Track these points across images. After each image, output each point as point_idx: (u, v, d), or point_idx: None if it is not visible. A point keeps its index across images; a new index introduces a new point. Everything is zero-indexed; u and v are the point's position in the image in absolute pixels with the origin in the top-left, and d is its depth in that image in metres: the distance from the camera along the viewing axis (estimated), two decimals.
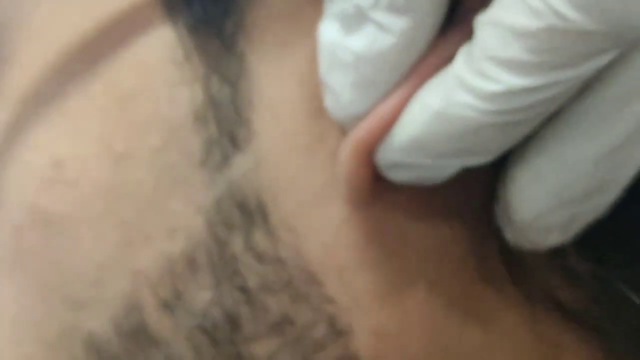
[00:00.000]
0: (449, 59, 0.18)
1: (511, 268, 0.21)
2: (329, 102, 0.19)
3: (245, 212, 0.20)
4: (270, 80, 0.20)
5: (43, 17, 0.22)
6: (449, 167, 0.19)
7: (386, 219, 0.20)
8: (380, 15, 0.18)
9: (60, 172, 0.21)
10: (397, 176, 0.19)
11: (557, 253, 0.20)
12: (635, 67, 0.17)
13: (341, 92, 0.19)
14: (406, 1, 0.18)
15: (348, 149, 0.19)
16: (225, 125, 0.20)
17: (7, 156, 0.21)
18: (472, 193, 0.20)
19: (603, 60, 0.17)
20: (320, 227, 0.20)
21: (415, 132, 0.18)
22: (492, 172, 0.19)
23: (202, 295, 0.20)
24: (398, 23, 0.18)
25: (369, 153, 0.19)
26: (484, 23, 0.17)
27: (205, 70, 0.20)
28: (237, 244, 0.20)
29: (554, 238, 0.20)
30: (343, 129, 0.19)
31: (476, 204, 0.20)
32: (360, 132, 0.19)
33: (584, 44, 0.16)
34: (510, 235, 0.20)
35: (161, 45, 0.20)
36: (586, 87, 0.18)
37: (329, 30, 0.19)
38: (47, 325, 0.21)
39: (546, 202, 0.19)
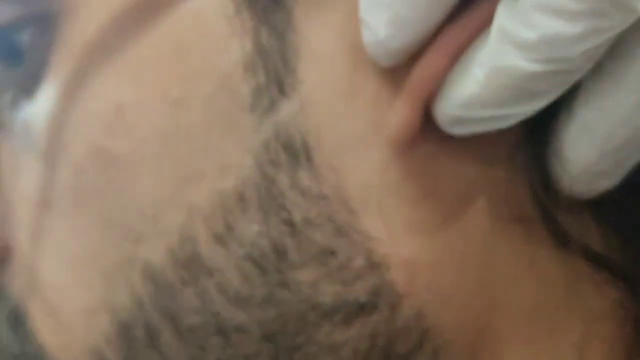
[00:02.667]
0: (489, 12, 0.19)
1: (543, 211, 0.22)
2: (367, 40, 0.20)
3: (290, 152, 0.21)
4: (315, 31, 0.21)
5: None
6: (511, 117, 0.20)
7: (423, 162, 0.21)
8: None
9: (120, 115, 0.22)
10: (461, 130, 0.20)
11: (594, 202, 0.22)
12: None
13: (378, 29, 0.20)
14: None
15: (404, 97, 0.20)
16: (273, 73, 0.21)
17: (71, 101, 0.22)
18: (503, 140, 0.21)
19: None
20: (360, 167, 0.21)
21: (473, 88, 0.19)
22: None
23: (251, 228, 0.21)
24: None
25: (422, 102, 0.20)
26: None
27: (254, 23, 0.21)
28: (283, 181, 0.21)
29: (604, 183, 0.21)
30: (381, 79, 0.21)
31: (509, 151, 0.21)
32: (416, 83, 0.20)
33: None
34: (564, 183, 0.21)
35: (214, 0, 0.21)
36: (624, 40, 0.19)
37: None
38: (107, 256, 0.22)
39: (594, 151, 0.20)
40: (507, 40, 0.18)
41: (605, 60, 0.19)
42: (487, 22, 0.19)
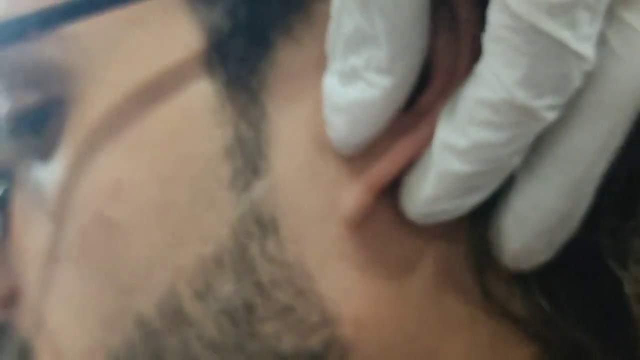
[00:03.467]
0: (433, 127, 0.23)
1: (479, 280, 0.25)
2: (332, 136, 0.24)
3: (261, 225, 0.24)
4: (285, 124, 0.24)
5: (109, 66, 0.25)
6: (462, 207, 0.23)
7: (372, 235, 0.24)
8: (369, 75, 0.22)
9: (119, 188, 0.25)
10: (429, 221, 0.24)
11: (521, 278, 0.25)
12: (574, 127, 0.22)
13: (339, 128, 0.23)
14: (389, 65, 0.22)
15: (362, 186, 0.24)
16: (249, 158, 0.24)
17: (80, 172, 0.26)
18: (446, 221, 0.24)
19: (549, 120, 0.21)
20: (318, 239, 0.24)
21: (428, 190, 0.23)
22: None
23: (226, 287, 0.24)
24: (383, 81, 0.22)
25: (376, 192, 0.24)
26: (463, 98, 0.22)
27: (235, 116, 0.24)
28: (254, 249, 0.24)
29: (540, 258, 0.24)
30: (341, 163, 0.24)
31: (451, 228, 0.24)
32: (374, 177, 0.24)
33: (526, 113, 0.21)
34: (504, 259, 0.24)
35: (202, 94, 0.25)
36: (541, 138, 0.22)
37: (330, 83, 0.23)
38: (105, 305, 0.25)
39: (528, 234, 0.23)
40: (447, 149, 0.22)
41: (530, 155, 0.23)
42: (431, 135, 0.23)
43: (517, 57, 0.20)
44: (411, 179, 0.24)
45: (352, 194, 0.24)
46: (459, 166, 0.22)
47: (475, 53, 0.22)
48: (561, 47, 0.20)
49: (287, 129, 0.25)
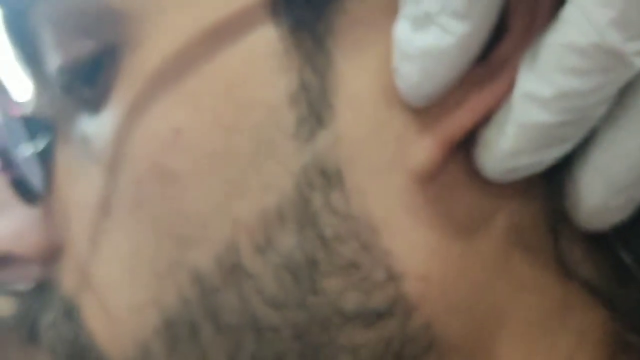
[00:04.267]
0: (511, 79, 0.22)
1: (553, 241, 0.24)
2: (400, 86, 0.23)
3: (325, 176, 0.23)
4: (352, 72, 0.24)
5: (167, 9, 0.25)
6: (545, 161, 0.22)
7: (441, 191, 0.24)
8: (444, 20, 0.21)
9: (178, 137, 0.24)
10: (509, 178, 0.23)
11: (595, 239, 0.24)
12: None
13: (409, 79, 0.22)
14: (466, 9, 0.21)
15: (434, 138, 0.23)
16: (314, 107, 0.24)
17: (136, 121, 0.25)
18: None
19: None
20: (385, 192, 0.23)
21: (509, 143, 0.22)
22: None
23: (288, 241, 0.23)
24: (458, 27, 0.21)
25: (449, 146, 0.23)
26: (548, 44, 0.21)
27: (300, 62, 0.24)
28: (317, 201, 0.23)
29: (616, 217, 0.23)
30: (408, 117, 0.23)
31: (524, 186, 0.24)
32: (447, 131, 0.23)
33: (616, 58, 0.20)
34: (579, 217, 0.23)
35: (266, 40, 0.24)
36: (630, 89, 0.21)
37: (401, 29, 0.22)
38: (159, 260, 0.25)
39: (606, 189, 0.22)
40: (530, 99, 0.21)
41: (614, 108, 0.22)
42: (510, 87, 0.22)
43: None
44: (489, 134, 0.23)
45: (422, 148, 0.23)
46: (543, 116, 0.21)
47: (555, 2, 0.22)
48: None
49: (353, 78, 0.24)
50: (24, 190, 0.26)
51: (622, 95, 0.22)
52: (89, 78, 0.26)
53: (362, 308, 0.24)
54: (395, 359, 0.24)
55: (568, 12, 0.21)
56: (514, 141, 0.22)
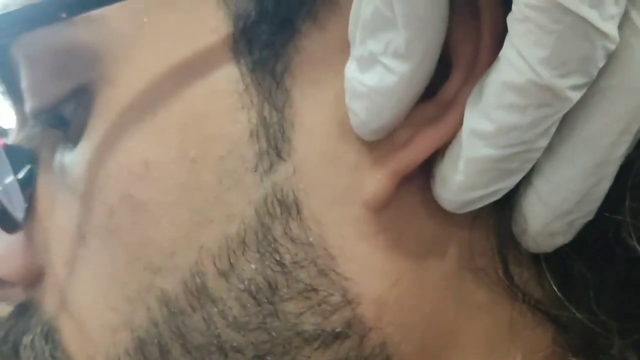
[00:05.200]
0: (460, 117, 0.23)
1: (501, 263, 0.25)
2: (353, 122, 0.24)
3: (284, 206, 0.25)
4: (309, 108, 0.25)
5: (137, 48, 0.26)
6: (498, 192, 0.23)
7: (392, 219, 0.25)
8: (387, 60, 0.22)
9: (147, 169, 0.25)
10: (466, 210, 0.24)
11: (539, 261, 0.25)
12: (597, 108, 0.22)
13: (358, 116, 0.24)
14: (406, 50, 0.22)
15: (386, 172, 0.24)
16: (273, 141, 0.25)
17: (108, 154, 0.26)
18: None
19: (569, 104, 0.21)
20: (340, 221, 0.25)
21: (460, 178, 0.23)
22: None
23: (249, 266, 0.25)
24: (400, 66, 0.22)
25: (399, 179, 0.24)
26: (489, 82, 0.22)
27: (259, 99, 0.25)
28: (277, 229, 0.25)
29: (559, 240, 0.24)
30: (362, 149, 0.24)
31: (472, 213, 0.25)
32: (398, 164, 0.24)
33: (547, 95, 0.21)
34: (525, 240, 0.24)
35: (227, 78, 0.25)
36: (565, 119, 0.22)
37: (350, 69, 0.24)
38: (130, 284, 0.26)
39: (549, 215, 0.23)
40: (475, 135, 0.22)
41: (554, 137, 0.23)
42: (459, 123, 0.23)
43: (543, 36, 0.20)
44: (444, 168, 0.24)
45: (374, 180, 0.25)
46: (487, 151, 0.22)
47: (497, 39, 0.23)
48: (586, 25, 0.20)
49: (310, 113, 0.25)
50: (3, 219, 0.27)
51: (560, 126, 0.23)
52: (61, 119, 0.27)
53: (320, 330, 0.25)
54: None
55: (505, 52, 0.22)
56: (466, 175, 0.23)
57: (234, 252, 0.25)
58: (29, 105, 0.28)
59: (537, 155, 0.23)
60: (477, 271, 0.26)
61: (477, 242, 0.26)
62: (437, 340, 0.26)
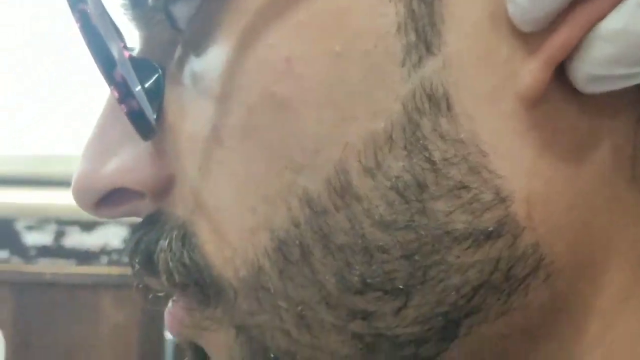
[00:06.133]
0: None
1: None
2: (512, 10, 0.23)
3: (434, 101, 0.24)
4: (458, 1, 0.24)
5: None
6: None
7: (546, 115, 0.24)
8: None
9: (288, 65, 0.25)
10: (597, 88, 0.23)
11: None
12: None
13: (522, 3, 0.23)
14: None
15: (539, 61, 0.23)
16: (422, 34, 0.24)
17: (246, 53, 0.26)
18: (625, 112, 0.24)
19: None
20: (493, 117, 0.24)
21: (608, 49, 0.22)
22: None
23: (396, 164, 0.24)
24: None
25: (554, 66, 0.23)
26: None
27: None
28: (426, 125, 0.24)
29: None
30: (516, 42, 0.24)
31: (631, 123, 0.24)
32: (552, 50, 0.23)
33: None
34: None
35: None
36: None
37: None
38: (270, 184, 0.26)
39: None
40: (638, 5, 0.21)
41: None
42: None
43: None
44: (589, 39, 0.23)
45: (528, 71, 0.24)
46: None
47: None
48: None
49: (461, 6, 0.24)
50: (140, 123, 0.27)
51: None
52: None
53: (471, 229, 0.24)
54: (504, 280, 0.25)
55: None
56: (617, 48, 0.22)
57: (381, 149, 0.24)
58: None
59: None
60: (632, 174, 0.25)
61: (630, 143, 0.25)
62: (590, 245, 0.25)
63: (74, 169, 0.30)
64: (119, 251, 1.25)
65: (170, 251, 0.28)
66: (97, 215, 0.30)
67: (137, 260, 0.29)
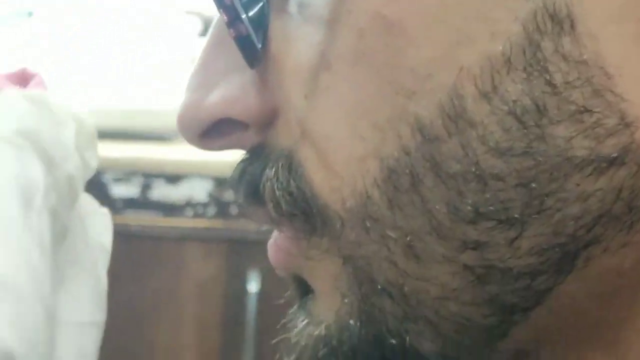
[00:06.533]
0: None
1: None
2: None
3: (556, 21, 0.23)
4: None
5: None
6: None
7: None
8: None
9: None
10: None
11: None
12: None
13: None
14: None
15: None
16: None
17: None
18: None
19: None
20: (619, 38, 0.23)
21: None
22: None
23: (515, 87, 0.23)
24: None
25: None
26: None
27: None
28: (548, 46, 0.23)
29: None
30: None
31: None
32: None
33: None
34: None
35: None
36: None
37: None
38: (380, 111, 0.25)
39: None
40: None
41: None
42: None
43: None
44: None
45: None
46: None
47: None
48: None
49: None
50: (248, 48, 0.27)
51: None
52: None
53: (593, 155, 0.23)
54: (626, 210, 0.24)
55: None
56: None
57: (498, 72, 0.23)
58: None
59: None
60: None
61: None
62: None
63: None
64: (204, 204, 1.27)
65: (277, 180, 0.27)
66: (201, 147, 0.30)
67: (241, 191, 0.29)
